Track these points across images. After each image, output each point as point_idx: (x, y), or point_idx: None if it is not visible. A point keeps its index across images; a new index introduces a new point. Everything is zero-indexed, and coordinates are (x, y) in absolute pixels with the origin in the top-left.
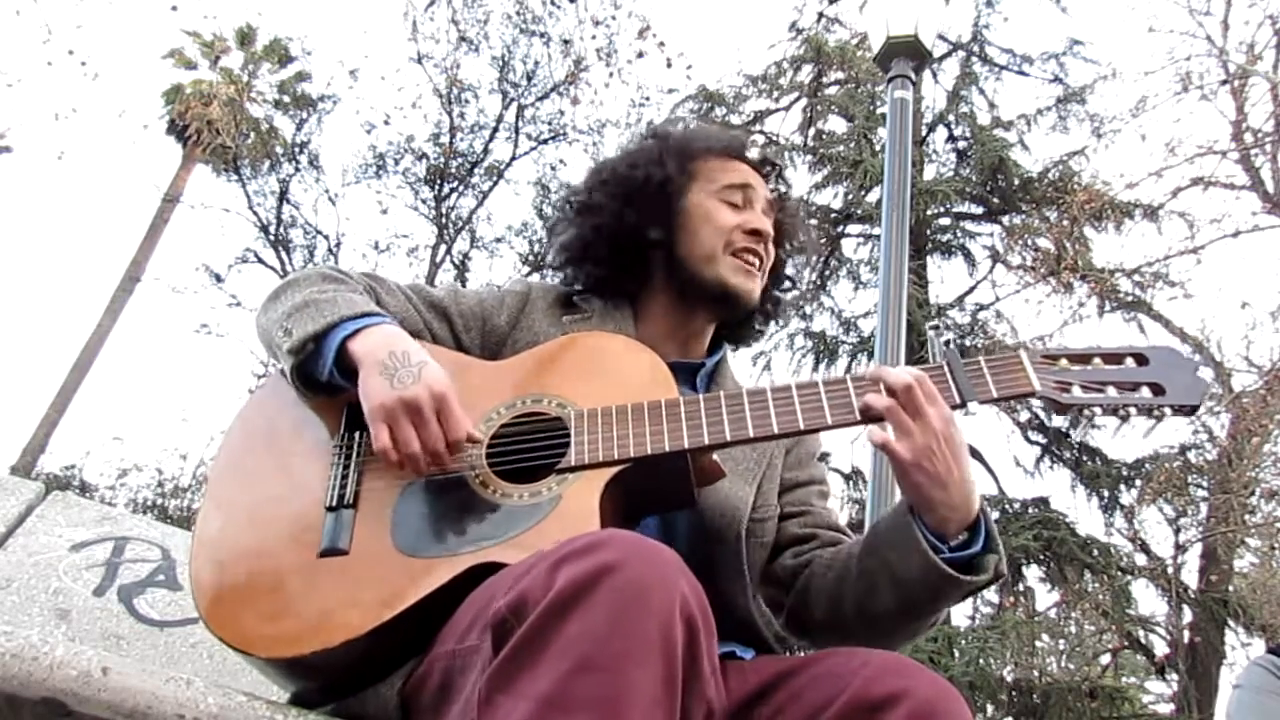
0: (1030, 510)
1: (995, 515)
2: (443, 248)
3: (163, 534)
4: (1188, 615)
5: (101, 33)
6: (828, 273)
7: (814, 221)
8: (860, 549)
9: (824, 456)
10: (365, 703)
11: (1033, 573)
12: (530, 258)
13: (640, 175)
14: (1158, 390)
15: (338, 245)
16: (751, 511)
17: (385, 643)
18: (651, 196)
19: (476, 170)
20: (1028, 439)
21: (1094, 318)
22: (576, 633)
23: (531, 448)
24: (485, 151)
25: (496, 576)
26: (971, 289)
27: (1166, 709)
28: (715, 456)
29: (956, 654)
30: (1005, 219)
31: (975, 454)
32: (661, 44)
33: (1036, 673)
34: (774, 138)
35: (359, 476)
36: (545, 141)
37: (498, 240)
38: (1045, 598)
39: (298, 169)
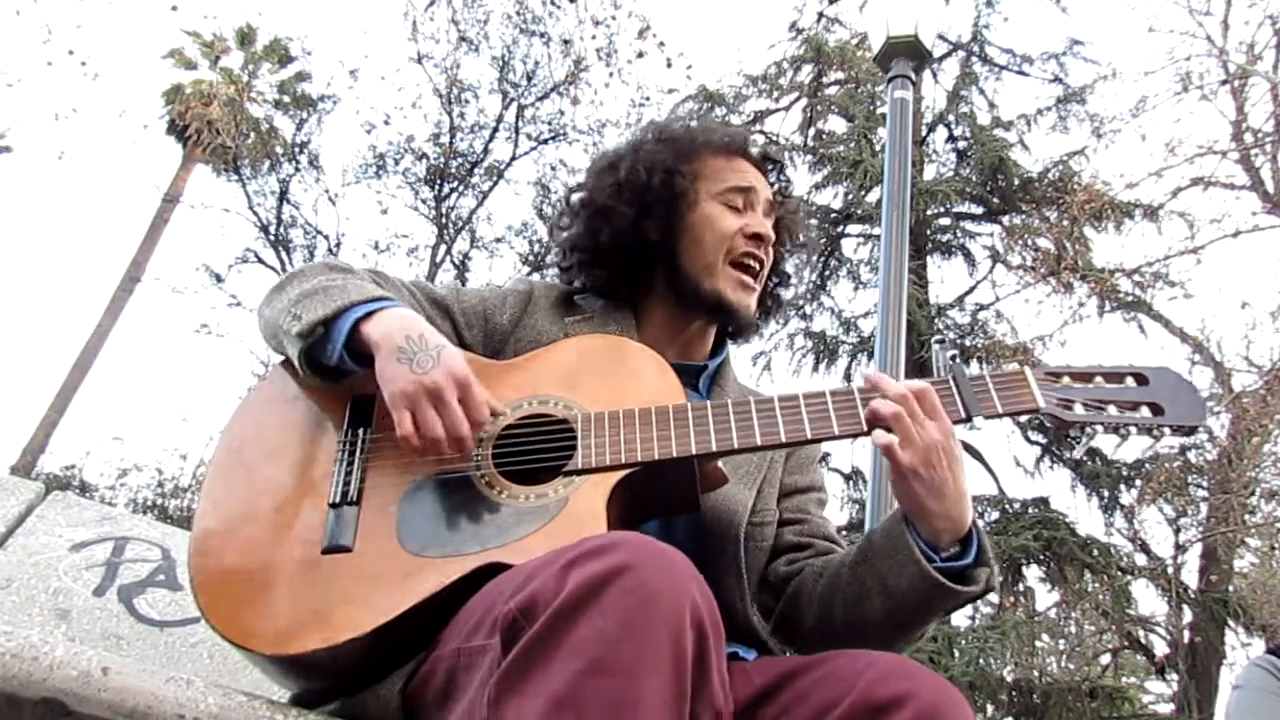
0: (1030, 510)
1: (995, 515)
2: (443, 248)
3: (163, 534)
4: (1188, 615)
5: (101, 33)
6: (827, 273)
7: (814, 220)
8: (853, 557)
9: (824, 457)
10: (366, 702)
11: (1033, 573)
12: (530, 258)
13: (648, 182)
14: (1157, 410)
15: (338, 245)
16: (750, 515)
17: (388, 641)
18: (658, 203)
19: (476, 170)
20: (1028, 439)
21: (1094, 318)
22: (588, 635)
23: (538, 449)
24: (485, 151)
25: (503, 576)
26: (971, 289)
27: (1166, 709)
28: (719, 463)
29: (956, 654)
30: (1005, 219)
31: (975, 454)
32: (661, 44)
33: (1036, 673)
34: (774, 138)
35: (363, 473)
36: (545, 141)
37: (498, 240)
38: (1045, 598)
39: (298, 169)
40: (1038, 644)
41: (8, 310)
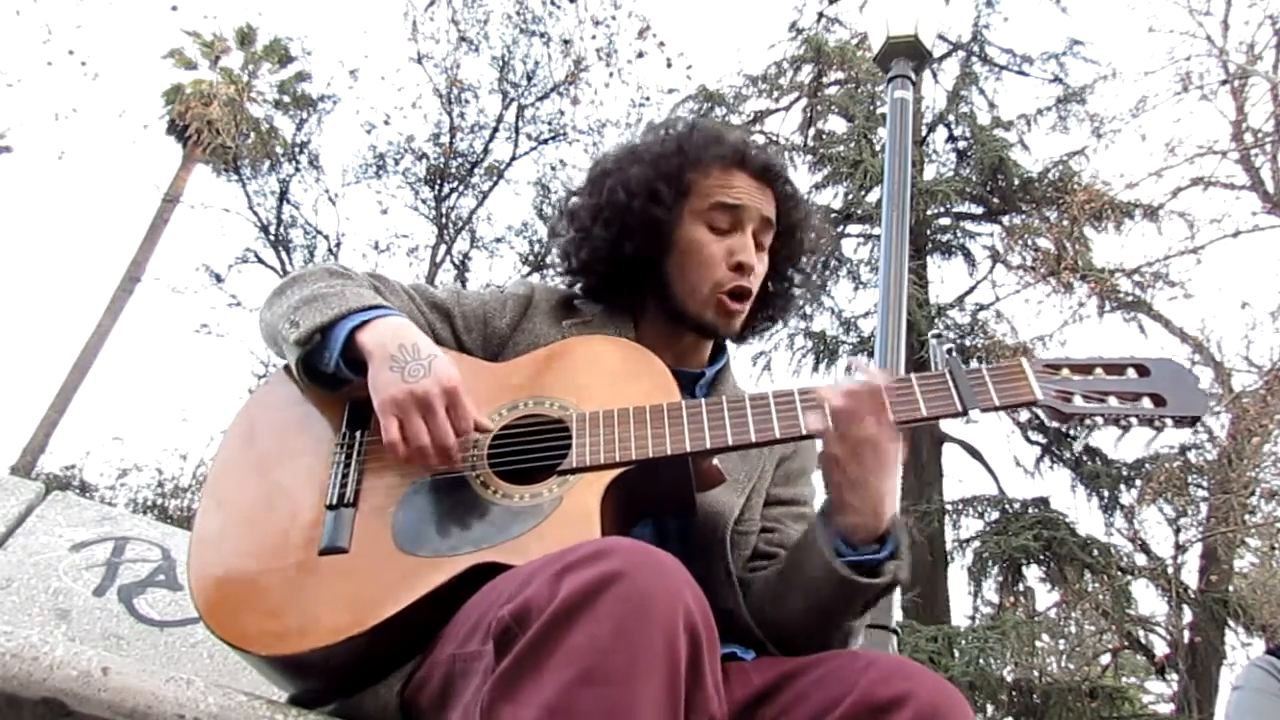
0: (1030, 510)
1: (995, 515)
2: (443, 248)
3: (163, 534)
4: (1188, 615)
5: (101, 33)
6: (828, 273)
7: (821, 215)
8: (781, 560)
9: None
10: (364, 703)
11: (1033, 573)
12: (530, 258)
13: (628, 204)
14: (1159, 401)
15: (338, 245)
16: (735, 523)
17: (385, 642)
18: (638, 226)
19: (476, 170)
20: (1028, 439)
21: (1094, 318)
22: (581, 643)
23: (533, 449)
24: (485, 151)
25: (498, 580)
26: (971, 289)
27: (1166, 709)
28: (715, 461)
29: (956, 654)
30: (1005, 219)
31: (975, 454)
32: (661, 44)
33: (1036, 673)
34: (774, 138)
35: (360, 475)
36: (545, 141)
37: (498, 240)
38: (1045, 598)
39: (298, 169)
40: (1038, 644)
41: (8, 310)
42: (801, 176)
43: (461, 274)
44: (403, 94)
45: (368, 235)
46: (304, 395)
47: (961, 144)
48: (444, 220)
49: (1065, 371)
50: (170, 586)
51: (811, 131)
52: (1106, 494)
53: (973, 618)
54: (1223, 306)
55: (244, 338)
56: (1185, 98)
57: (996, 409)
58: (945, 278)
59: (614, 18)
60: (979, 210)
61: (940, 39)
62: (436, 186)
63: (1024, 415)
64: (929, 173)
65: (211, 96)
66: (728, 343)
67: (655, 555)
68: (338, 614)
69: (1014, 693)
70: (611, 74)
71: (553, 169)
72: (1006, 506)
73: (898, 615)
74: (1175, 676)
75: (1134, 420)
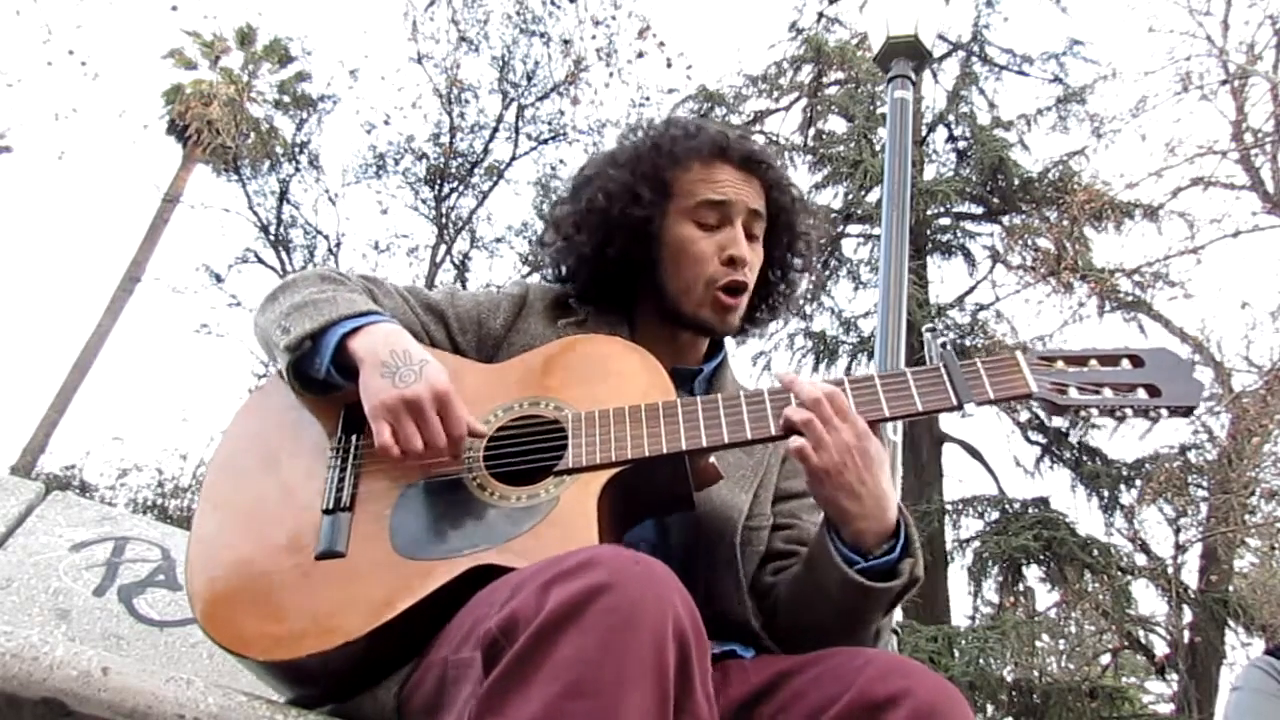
0: (1030, 510)
1: (995, 515)
2: (443, 248)
3: (163, 534)
4: (1188, 615)
5: (101, 33)
6: (828, 273)
7: (816, 211)
8: (800, 569)
9: None
10: (362, 705)
11: (1033, 573)
12: (530, 258)
13: (608, 209)
14: (1153, 392)
15: (338, 245)
16: (746, 520)
17: (382, 645)
18: (622, 230)
19: (476, 170)
20: (1028, 439)
21: (1094, 318)
22: (567, 656)
23: (529, 450)
24: (485, 151)
25: (490, 588)
26: (971, 289)
27: (1166, 709)
28: (713, 459)
29: (956, 654)
30: (1005, 219)
31: (975, 454)
32: (661, 44)
33: (1036, 673)
34: (774, 138)
35: (356, 479)
36: (545, 141)
37: (498, 240)
38: (1045, 598)
39: (298, 169)
40: (1038, 644)
41: (8, 310)
42: (801, 176)
43: (461, 274)
44: (403, 94)
45: (368, 235)
46: (300, 399)
47: (961, 144)
48: (444, 220)
49: (1060, 363)
50: (170, 586)
51: (811, 131)
52: (1106, 494)
53: (973, 618)
54: (1223, 306)
55: (244, 338)
56: (1185, 98)
57: (992, 402)
58: (945, 278)
59: (614, 18)
60: (979, 210)
61: (940, 39)
62: (436, 186)
63: (1024, 415)
64: (929, 173)
65: (211, 96)
66: (726, 340)
67: (643, 564)
68: (335, 619)
69: (1014, 693)
70: (611, 74)
71: (553, 169)
72: (1006, 506)
73: (898, 615)
74: (1175, 676)
75: (1129, 411)
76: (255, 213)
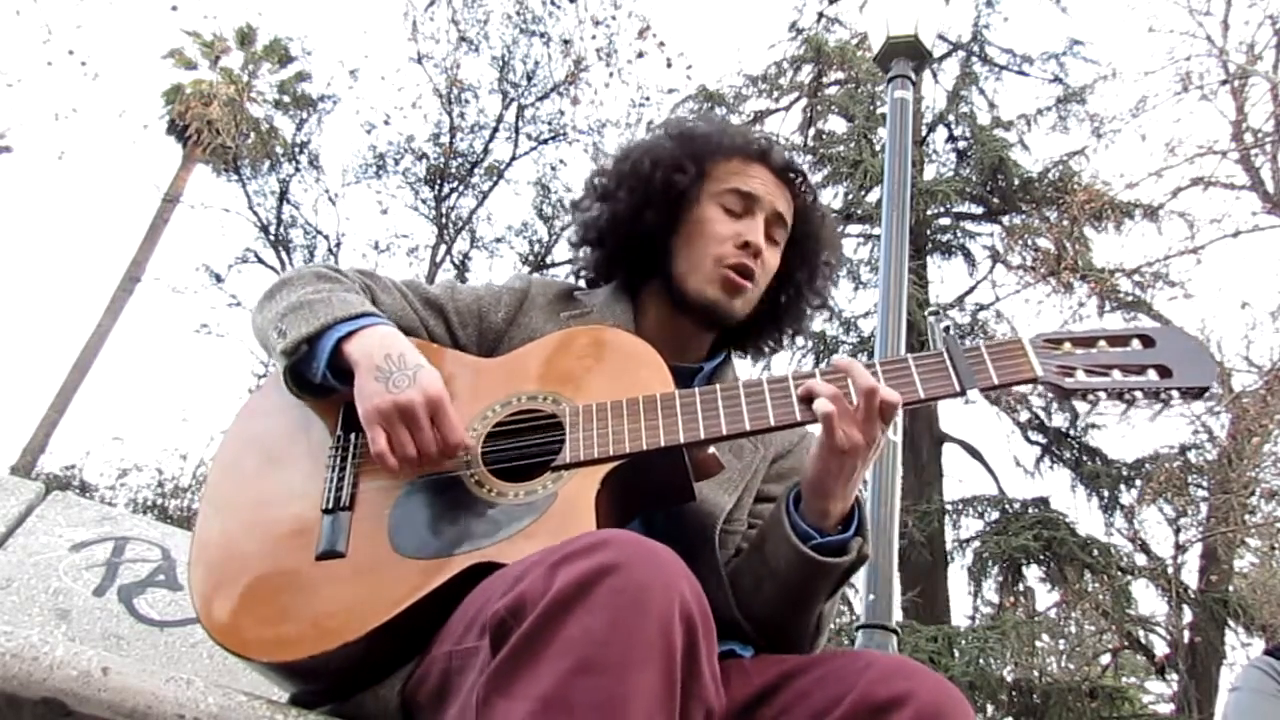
0: (1030, 510)
1: (995, 515)
2: (443, 248)
3: (163, 534)
4: (1188, 615)
5: (101, 33)
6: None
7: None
8: (747, 551)
9: None
10: (365, 703)
11: (1033, 573)
12: (530, 258)
13: (651, 174)
14: (1165, 373)
15: (338, 245)
16: (724, 522)
17: (384, 645)
18: (658, 197)
19: (476, 170)
20: (1028, 439)
21: (1094, 318)
22: (576, 634)
23: (527, 445)
24: (485, 151)
25: (493, 577)
26: (971, 289)
27: (1166, 709)
28: (712, 450)
29: (956, 654)
30: (1005, 219)
31: (975, 454)
32: (661, 44)
33: (1036, 673)
34: (774, 138)
35: (355, 479)
36: (545, 141)
37: (498, 240)
38: (1045, 598)
39: (298, 169)
40: (1038, 644)
41: (8, 310)
42: None
43: (461, 274)
44: (403, 94)
45: (368, 235)
46: (299, 399)
47: (961, 144)
48: (444, 220)
49: (1067, 345)
50: (170, 586)
51: (811, 131)
52: (1106, 494)
53: (973, 618)
54: (1223, 306)
55: (244, 338)
56: (1185, 98)
57: (995, 388)
58: (945, 278)
59: (614, 18)
60: (979, 210)
61: (940, 39)
62: (436, 186)
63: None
64: (929, 173)
65: (211, 96)
66: (733, 358)
67: (651, 547)
68: (336, 620)
69: (1014, 693)
70: (611, 74)
71: (553, 169)
72: (1006, 506)
73: (898, 615)
74: (1175, 676)
75: (1139, 394)
76: (255, 213)
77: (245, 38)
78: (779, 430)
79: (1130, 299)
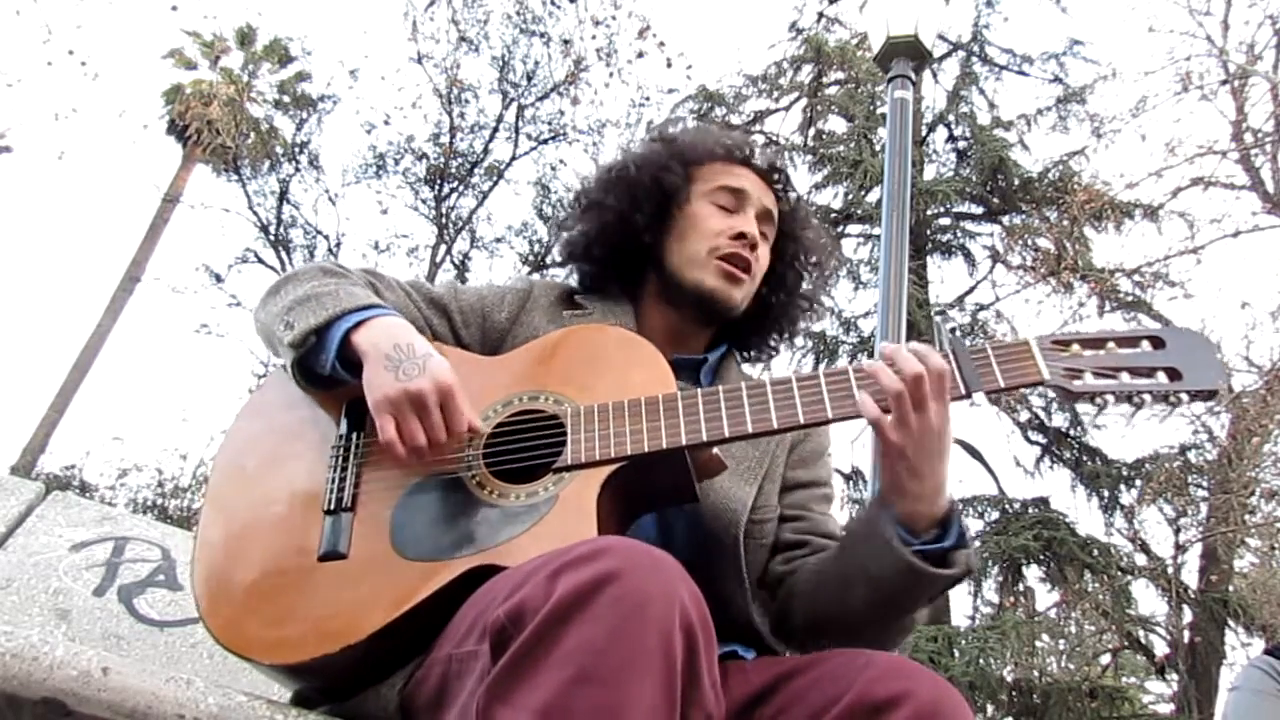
0: (1030, 510)
1: (995, 515)
2: (443, 248)
3: (163, 534)
4: (1188, 615)
5: (101, 33)
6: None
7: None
8: (834, 551)
9: None
10: (365, 703)
11: (1033, 573)
12: (530, 258)
13: (639, 178)
14: (1174, 375)
15: (338, 245)
16: (750, 513)
17: (385, 646)
18: (653, 201)
19: (476, 170)
20: (1028, 439)
21: (1094, 318)
22: (576, 643)
23: (529, 446)
24: (485, 151)
25: (494, 580)
26: (971, 289)
27: (1166, 709)
28: (715, 450)
29: (956, 654)
30: (1005, 219)
31: (975, 454)
32: (661, 44)
33: (1036, 673)
34: (774, 138)
35: (357, 479)
36: (545, 141)
37: (498, 240)
38: (1045, 598)
39: (298, 169)
40: (1038, 644)
41: (8, 310)
42: (801, 176)
43: (461, 274)
44: (403, 94)
45: (368, 235)
46: (301, 397)
47: (961, 144)
48: (444, 220)
49: (1075, 347)
50: (170, 586)
51: (811, 131)
52: (1106, 494)
53: (973, 618)
54: (1223, 306)
55: (244, 338)
56: (1185, 98)
57: (1001, 391)
58: (945, 278)
59: (614, 18)
60: (979, 210)
61: (940, 39)
62: (436, 186)
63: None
64: (929, 173)
65: (211, 96)
66: (736, 355)
67: (651, 554)
68: (338, 622)
69: (1014, 693)
70: (611, 74)
71: (553, 169)
72: (1006, 506)
73: None
74: (1175, 676)
75: (1148, 397)
76: (255, 213)
77: (245, 38)
78: (782, 432)
79: (1130, 299)
